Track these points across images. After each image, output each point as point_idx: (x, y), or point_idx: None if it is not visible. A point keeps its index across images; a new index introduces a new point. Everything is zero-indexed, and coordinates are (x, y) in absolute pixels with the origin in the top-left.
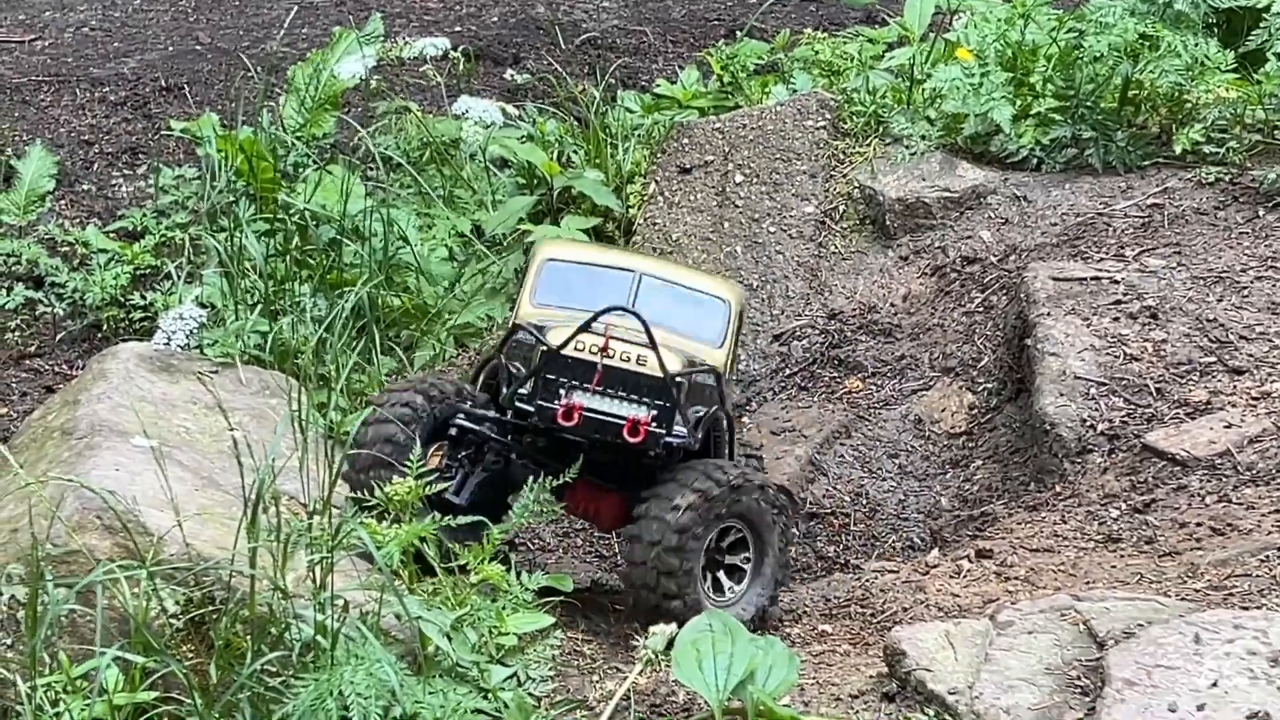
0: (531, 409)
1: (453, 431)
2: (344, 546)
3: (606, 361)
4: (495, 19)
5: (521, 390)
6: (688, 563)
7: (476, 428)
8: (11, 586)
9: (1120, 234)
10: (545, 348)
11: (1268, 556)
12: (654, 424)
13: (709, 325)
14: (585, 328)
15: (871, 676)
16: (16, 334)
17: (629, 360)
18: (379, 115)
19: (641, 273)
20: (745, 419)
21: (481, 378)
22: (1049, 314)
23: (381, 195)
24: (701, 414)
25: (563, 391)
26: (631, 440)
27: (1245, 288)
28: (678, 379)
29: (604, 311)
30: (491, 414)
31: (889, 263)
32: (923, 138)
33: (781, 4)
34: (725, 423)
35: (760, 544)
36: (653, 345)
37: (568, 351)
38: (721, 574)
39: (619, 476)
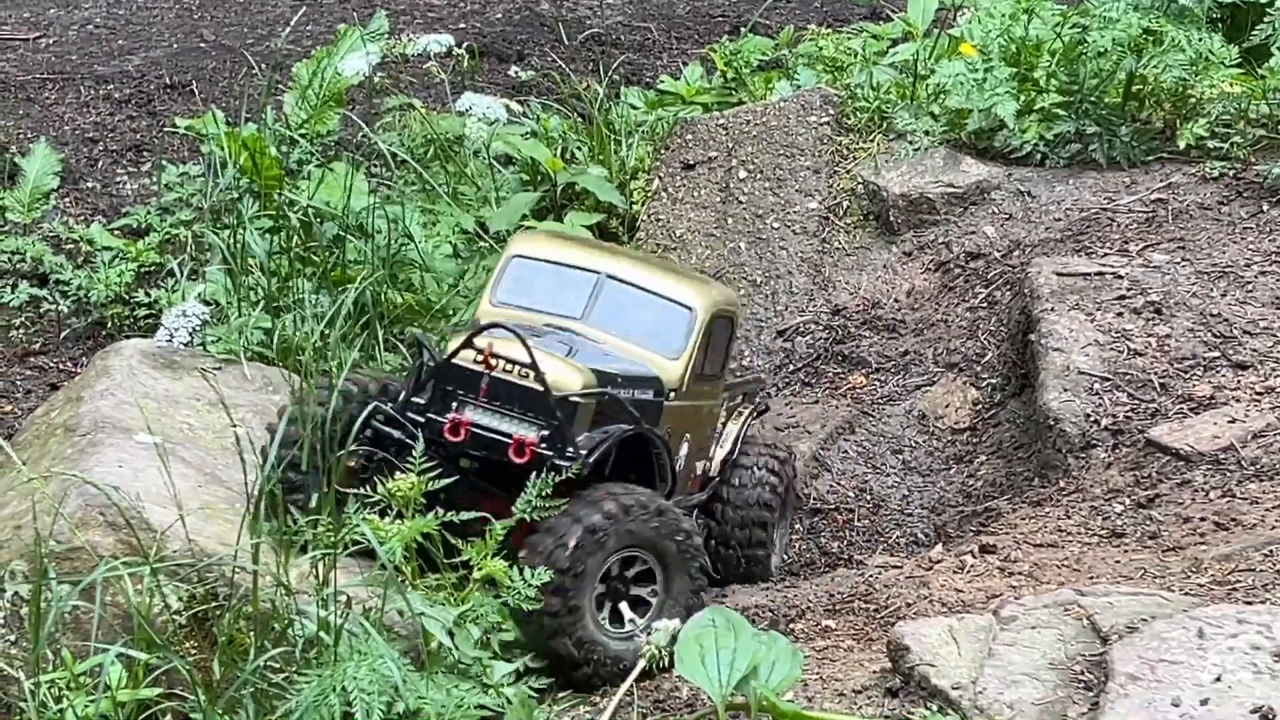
0: (422, 419)
1: (368, 433)
2: (346, 543)
3: (496, 375)
4: (499, 16)
5: (417, 399)
6: (573, 597)
7: (391, 431)
8: (15, 583)
9: (1124, 229)
10: (434, 360)
11: (1271, 551)
12: (543, 444)
13: (667, 334)
14: (468, 343)
15: (875, 672)
16: (21, 331)
17: (528, 376)
18: (383, 112)
19: (606, 275)
20: None
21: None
22: (1053, 309)
23: (385, 192)
24: (608, 435)
25: (454, 404)
26: (517, 460)
27: (1249, 283)
28: (573, 399)
29: (485, 328)
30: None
31: (893, 258)
32: (926, 133)
33: (785, 0)
34: (657, 442)
35: (666, 572)
36: (534, 367)
37: (464, 363)
38: (625, 604)
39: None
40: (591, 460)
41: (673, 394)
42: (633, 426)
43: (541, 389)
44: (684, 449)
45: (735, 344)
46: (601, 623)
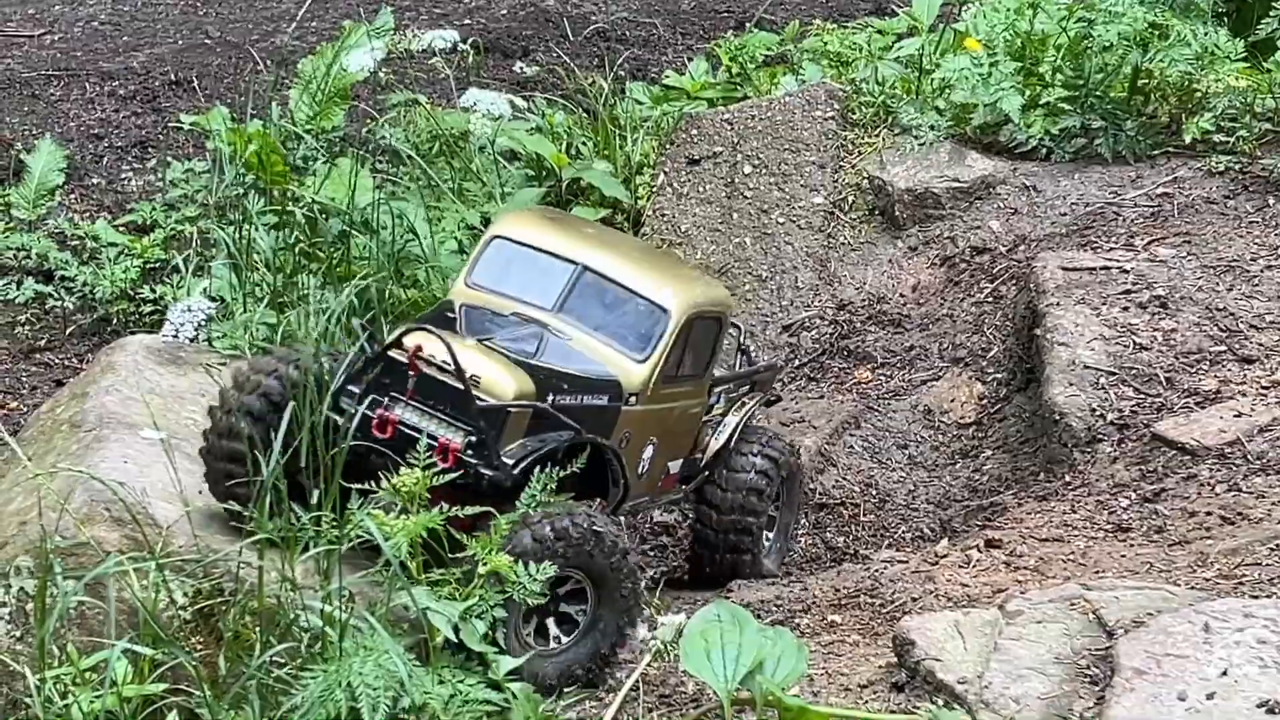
0: (353, 411)
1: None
2: (351, 538)
3: (426, 373)
4: (504, 11)
5: (353, 388)
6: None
7: (336, 416)
8: (20, 579)
9: (1130, 223)
10: (368, 351)
11: (1278, 545)
12: (468, 451)
13: (638, 335)
14: (397, 342)
15: (881, 666)
16: (26, 328)
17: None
18: (388, 108)
19: (584, 266)
20: None
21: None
22: (1058, 304)
23: (390, 188)
24: (543, 445)
25: (387, 400)
26: (441, 464)
27: (1255, 277)
28: (508, 409)
29: (412, 328)
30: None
31: (898, 253)
32: (932, 128)
33: None
34: (606, 450)
35: (598, 594)
36: (460, 374)
37: (401, 358)
38: (551, 621)
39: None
40: (515, 472)
41: (634, 398)
42: (573, 435)
43: (465, 394)
44: (648, 451)
45: (722, 343)
46: (525, 637)
